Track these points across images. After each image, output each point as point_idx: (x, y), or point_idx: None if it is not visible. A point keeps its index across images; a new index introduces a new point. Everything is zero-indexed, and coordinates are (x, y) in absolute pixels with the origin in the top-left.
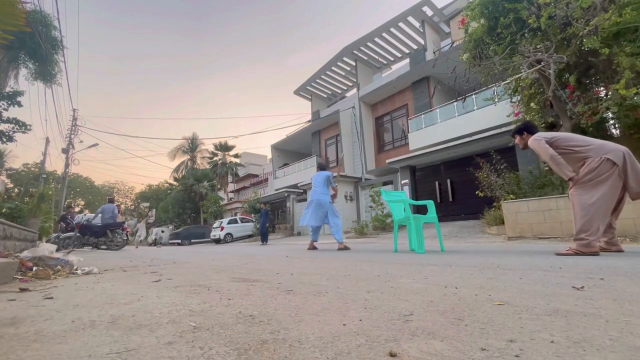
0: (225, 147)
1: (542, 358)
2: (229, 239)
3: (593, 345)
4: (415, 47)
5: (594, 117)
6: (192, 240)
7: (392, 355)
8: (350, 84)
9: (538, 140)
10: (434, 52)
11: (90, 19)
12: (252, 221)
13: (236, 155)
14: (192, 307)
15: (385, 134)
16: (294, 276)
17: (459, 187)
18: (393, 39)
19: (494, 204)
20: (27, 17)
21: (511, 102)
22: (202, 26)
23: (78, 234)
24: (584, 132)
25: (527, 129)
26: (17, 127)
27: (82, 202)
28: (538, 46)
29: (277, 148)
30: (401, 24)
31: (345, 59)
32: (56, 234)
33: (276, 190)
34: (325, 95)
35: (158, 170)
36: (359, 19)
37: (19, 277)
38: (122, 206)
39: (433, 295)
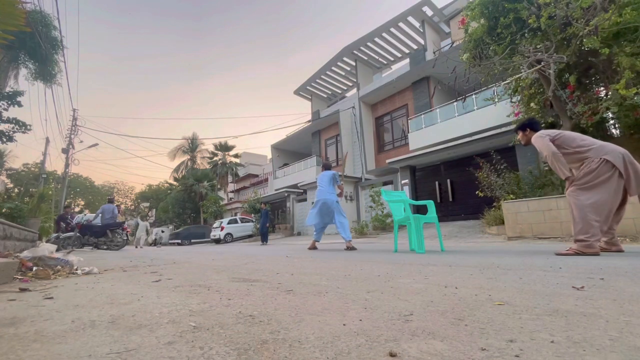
0: (225, 147)
1: (542, 358)
2: (229, 239)
3: (593, 345)
4: (415, 47)
5: (594, 117)
6: (192, 240)
7: (392, 355)
8: (350, 84)
9: (542, 137)
10: (434, 52)
11: (90, 19)
12: (252, 221)
13: (236, 155)
14: (192, 307)
15: (385, 134)
16: (294, 276)
17: (459, 187)
18: (393, 39)
19: (494, 204)
20: (27, 17)
21: (511, 102)
22: (202, 26)
23: (78, 234)
24: (583, 132)
25: (530, 125)
26: (17, 127)
27: (82, 202)
28: (538, 46)
29: (277, 148)
30: (401, 24)
31: (345, 59)
32: (56, 234)
33: (276, 190)
34: (325, 95)
35: (158, 170)
36: (359, 19)
37: (19, 277)
38: (122, 206)
39: (433, 295)
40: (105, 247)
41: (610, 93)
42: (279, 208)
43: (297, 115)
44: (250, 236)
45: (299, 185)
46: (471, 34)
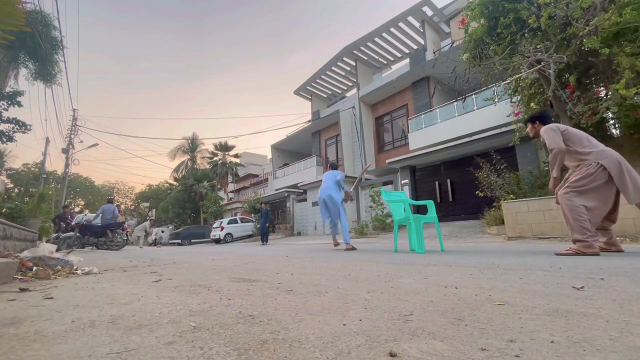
0: (225, 147)
1: (542, 358)
2: (229, 239)
3: (593, 345)
4: (415, 47)
5: (594, 117)
6: (192, 240)
7: (392, 355)
8: (350, 84)
9: (554, 131)
10: (434, 52)
11: (90, 19)
12: (252, 221)
13: (236, 155)
14: (192, 307)
15: (385, 134)
16: (294, 276)
17: (459, 187)
18: (393, 39)
19: (494, 204)
20: (27, 17)
21: (511, 102)
22: (202, 26)
23: (78, 234)
24: (584, 131)
25: (540, 118)
26: (17, 127)
27: (82, 202)
28: (538, 46)
29: (277, 148)
30: (401, 24)
31: (345, 59)
32: (56, 234)
33: (276, 190)
34: (325, 95)
35: (158, 170)
36: (359, 19)
37: (19, 277)
38: (122, 206)
39: (433, 295)
40: (105, 247)
41: (610, 93)
42: (279, 208)
43: (297, 115)
44: (250, 236)
45: (299, 185)
46: (471, 34)
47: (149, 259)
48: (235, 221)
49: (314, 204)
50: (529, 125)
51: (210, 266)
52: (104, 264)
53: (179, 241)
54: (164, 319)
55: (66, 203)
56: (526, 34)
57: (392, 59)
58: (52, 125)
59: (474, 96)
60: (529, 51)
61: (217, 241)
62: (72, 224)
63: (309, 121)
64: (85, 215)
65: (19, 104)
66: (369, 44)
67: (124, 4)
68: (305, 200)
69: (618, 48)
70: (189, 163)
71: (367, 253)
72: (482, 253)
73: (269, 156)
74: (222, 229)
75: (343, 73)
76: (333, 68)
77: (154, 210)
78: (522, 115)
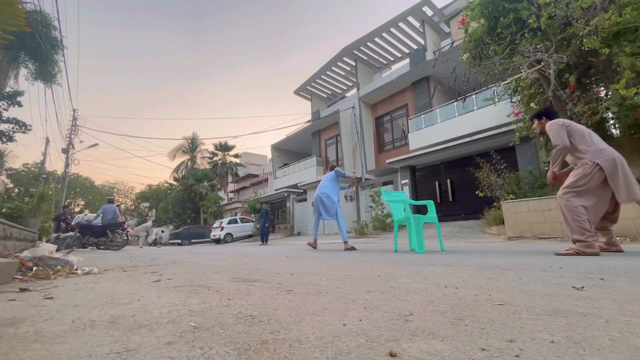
0: (225, 147)
1: (542, 358)
2: (229, 239)
3: (593, 345)
4: (415, 47)
5: (594, 117)
6: (192, 240)
7: (392, 355)
8: (350, 84)
9: (560, 126)
10: (434, 52)
11: (90, 19)
12: (252, 221)
13: (236, 155)
14: (192, 307)
15: (385, 134)
16: (294, 276)
17: (459, 187)
18: (393, 39)
19: (494, 204)
20: (27, 17)
21: (511, 102)
22: (202, 26)
23: (78, 234)
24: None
25: (547, 113)
26: (17, 127)
27: (82, 202)
28: (538, 46)
29: (277, 148)
30: (401, 24)
31: (345, 59)
32: (56, 234)
33: (276, 190)
34: (325, 95)
35: (158, 170)
36: (359, 19)
37: (19, 277)
38: (122, 206)
39: (433, 295)
40: (105, 247)
41: (610, 93)
42: (279, 208)
43: (297, 115)
44: (250, 236)
45: (299, 185)
46: (471, 34)
47: (149, 259)
48: (235, 221)
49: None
50: (535, 122)
51: (210, 266)
52: (104, 264)
53: (179, 241)
54: (164, 319)
55: (66, 203)
56: (526, 34)
57: (392, 59)
58: (52, 125)
59: (474, 96)
60: (529, 51)
61: (217, 241)
62: (72, 224)
63: (309, 121)
64: (85, 215)
65: (19, 104)
66: (369, 44)
67: (124, 4)
68: (305, 200)
69: (618, 48)
70: (189, 163)
71: (367, 253)
72: (482, 253)
73: (269, 156)
74: (222, 229)
75: (343, 73)
76: (333, 68)
77: (154, 210)
78: (522, 115)
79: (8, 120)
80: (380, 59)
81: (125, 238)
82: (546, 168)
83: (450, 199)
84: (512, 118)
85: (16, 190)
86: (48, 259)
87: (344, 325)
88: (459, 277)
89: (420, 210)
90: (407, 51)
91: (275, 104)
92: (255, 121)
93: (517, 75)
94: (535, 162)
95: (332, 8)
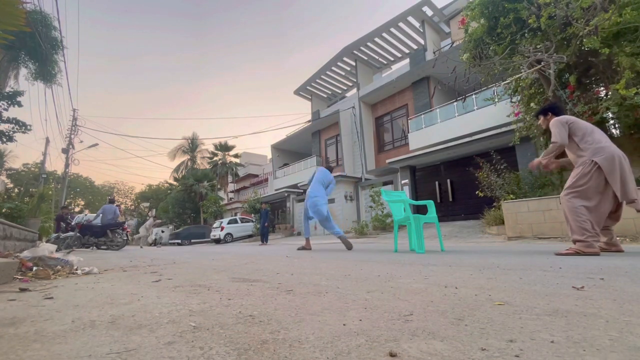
0: (225, 147)
1: (542, 358)
2: (229, 239)
3: (593, 345)
4: (415, 47)
5: (594, 117)
6: (192, 240)
7: (392, 355)
8: (350, 84)
9: (562, 124)
10: (434, 52)
11: (90, 19)
12: (252, 221)
13: (236, 155)
14: (192, 307)
15: (385, 134)
16: (294, 276)
17: (459, 187)
18: (393, 39)
19: (494, 204)
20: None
21: (511, 102)
22: (202, 26)
23: (78, 234)
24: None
25: (552, 109)
26: (17, 127)
27: (82, 202)
28: (538, 46)
29: (277, 148)
30: (401, 24)
31: (345, 59)
32: (56, 234)
33: (276, 190)
34: (325, 95)
35: (158, 170)
36: (359, 19)
37: (19, 277)
38: (122, 206)
39: (433, 295)
40: (105, 247)
41: (610, 93)
42: (279, 208)
43: (297, 115)
44: (250, 236)
45: (299, 185)
46: (471, 34)
47: (149, 259)
48: (235, 221)
49: None
50: (541, 118)
51: (210, 266)
52: (104, 264)
53: (179, 241)
54: (164, 319)
55: (65, 204)
56: (526, 34)
57: (392, 59)
58: (52, 125)
59: (474, 96)
60: (529, 51)
61: (217, 241)
62: (72, 224)
63: (309, 121)
64: (85, 215)
65: (19, 104)
66: (369, 44)
67: (124, 4)
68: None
69: (618, 48)
70: (189, 163)
71: (367, 253)
72: (482, 253)
73: (269, 156)
74: (222, 229)
75: (343, 73)
76: (333, 68)
77: (154, 210)
78: (522, 115)
79: (8, 120)
80: (380, 59)
81: (125, 238)
82: None
83: (450, 199)
84: (512, 118)
85: (16, 190)
86: (48, 259)
87: (344, 325)
88: (459, 277)
89: (420, 210)
90: (407, 51)
91: (275, 104)
92: (256, 121)
93: (517, 75)
94: None
95: (332, 8)
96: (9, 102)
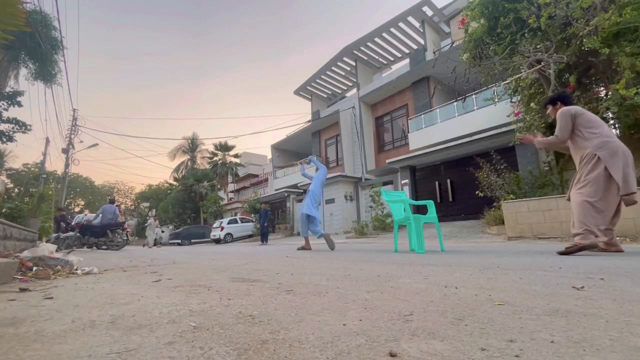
0: (225, 147)
1: (542, 358)
2: (229, 239)
3: (593, 345)
4: (415, 47)
5: None
6: (192, 240)
7: (392, 355)
8: (350, 84)
9: (567, 119)
10: (434, 52)
11: (90, 19)
12: (252, 221)
13: (236, 155)
14: (192, 307)
15: (385, 134)
16: (294, 276)
17: (459, 187)
18: (393, 39)
19: (494, 204)
20: (27, 17)
21: (511, 102)
22: (202, 26)
23: (78, 234)
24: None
25: (561, 98)
26: (17, 127)
27: (82, 202)
28: (538, 46)
29: (277, 148)
30: (401, 24)
31: (345, 59)
32: (56, 234)
33: (276, 190)
34: (325, 95)
35: (158, 170)
36: (359, 19)
37: (19, 277)
38: (122, 206)
39: (433, 295)
40: (105, 247)
41: (610, 93)
42: (279, 208)
43: (297, 115)
44: (250, 236)
45: (299, 185)
46: (471, 34)
47: (149, 259)
48: (235, 221)
49: None
50: (550, 107)
51: (210, 266)
52: (104, 264)
53: (179, 241)
54: (164, 319)
55: (65, 205)
56: (526, 34)
57: (392, 59)
58: (52, 125)
59: (474, 96)
60: (529, 51)
61: (217, 241)
62: (72, 224)
63: (309, 121)
64: (85, 215)
65: (19, 104)
66: (369, 44)
67: (124, 4)
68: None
69: (618, 48)
70: (189, 163)
71: (367, 253)
72: (482, 253)
73: (269, 156)
74: (222, 229)
75: (343, 73)
76: (333, 68)
77: (154, 210)
78: (522, 115)
79: (8, 120)
80: (380, 59)
81: (125, 238)
82: (546, 168)
83: (450, 199)
84: (512, 118)
85: (16, 190)
86: (48, 259)
87: (344, 325)
88: (459, 277)
89: (420, 210)
90: (407, 51)
91: (275, 104)
92: (255, 121)
93: (517, 75)
94: (535, 162)
95: (332, 8)
96: (9, 102)
